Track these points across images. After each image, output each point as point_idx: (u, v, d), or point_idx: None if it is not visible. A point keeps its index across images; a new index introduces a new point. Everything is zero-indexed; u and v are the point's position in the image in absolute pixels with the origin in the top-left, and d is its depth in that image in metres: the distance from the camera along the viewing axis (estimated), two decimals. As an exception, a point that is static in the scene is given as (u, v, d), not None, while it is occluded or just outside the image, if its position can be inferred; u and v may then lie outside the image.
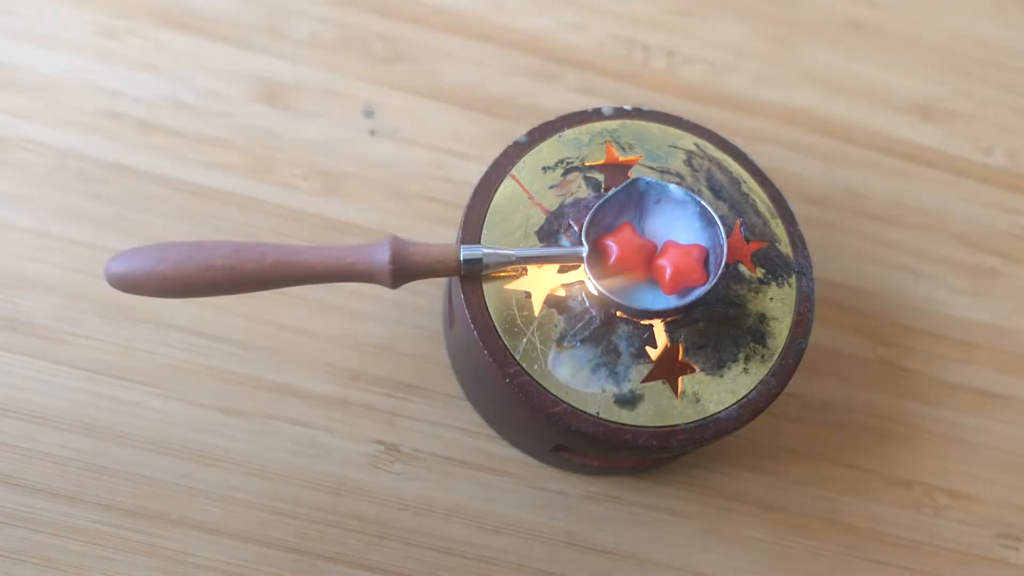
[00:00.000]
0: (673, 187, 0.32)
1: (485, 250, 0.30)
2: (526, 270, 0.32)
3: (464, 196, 0.42)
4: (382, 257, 0.29)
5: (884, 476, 0.40)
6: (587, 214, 0.32)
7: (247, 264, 0.28)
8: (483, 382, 0.35)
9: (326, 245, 0.31)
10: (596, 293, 0.30)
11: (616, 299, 0.30)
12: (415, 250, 0.30)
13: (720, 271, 0.31)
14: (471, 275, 0.31)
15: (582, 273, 0.31)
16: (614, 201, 0.32)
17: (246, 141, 0.43)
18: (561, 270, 0.32)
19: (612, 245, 0.32)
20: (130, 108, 0.42)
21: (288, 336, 0.39)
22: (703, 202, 0.32)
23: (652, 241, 0.33)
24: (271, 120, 0.43)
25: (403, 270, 0.29)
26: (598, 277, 0.31)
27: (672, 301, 0.31)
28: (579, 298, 0.31)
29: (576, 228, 0.32)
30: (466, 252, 0.30)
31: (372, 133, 0.44)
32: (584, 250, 0.31)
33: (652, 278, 0.32)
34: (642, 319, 0.31)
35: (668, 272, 0.31)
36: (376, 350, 0.40)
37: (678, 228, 0.33)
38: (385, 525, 0.37)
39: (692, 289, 0.31)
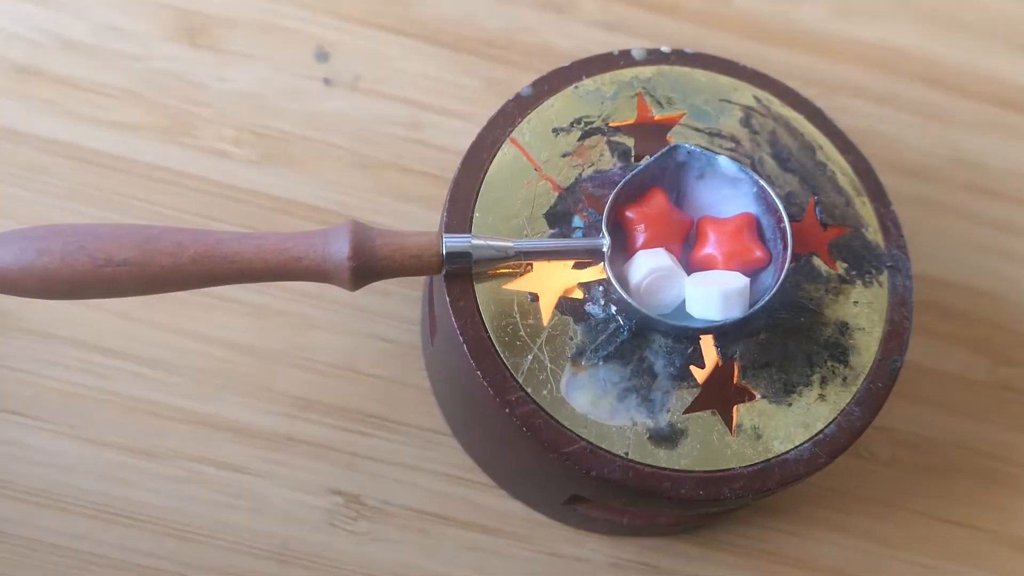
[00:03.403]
0: (723, 159, 0.32)
1: (476, 241, 0.30)
2: (531, 265, 0.32)
3: (449, 167, 0.42)
4: (339, 249, 0.29)
5: (1003, 537, 0.41)
6: (610, 193, 0.32)
7: (159, 257, 0.28)
8: (474, 413, 0.35)
9: (265, 232, 0.31)
10: (625, 302, 0.31)
11: (651, 313, 0.31)
12: (383, 241, 0.30)
13: (785, 270, 0.32)
14: (457, 273, 0.31)
15: (604, 272, 0.32)
16: (644, 176, 0.33)
17: (159, 92, 0.43)
18: (578, 265, 0.32)
19: (638, 221, 0.32)
20: (2, 47, 0.42)
21: (216, 352, 0.40)
22: (761, 181, 0.32)
23: (689, 216, 0.33)
24: (192, 65, 0.43)
25: (367, 267, 0.30)
26: (622, 267, 0.32)
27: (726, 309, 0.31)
28: (602, 301, 0.32)
29: (594, 211, 0.33)
30: (451, 243, 0.30)
31: (326, 82, 0.44)
32: (605, 243, 0.31)
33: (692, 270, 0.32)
34: (688, 334, 0.32)
35: (719, 263, 0.32)
36: (332, 370, 0.40)
37: (726, 212, 0.33)
38: (344, 603, 0.38)
39: (756, 273, 0.32)
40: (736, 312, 0.31)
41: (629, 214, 0.32)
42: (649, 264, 0.31)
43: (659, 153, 0.32)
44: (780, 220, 0.32)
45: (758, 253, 0.32)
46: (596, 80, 0.35)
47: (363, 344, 0.40)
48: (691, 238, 0.33)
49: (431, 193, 0.43)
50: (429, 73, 0.44)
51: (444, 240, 0.30)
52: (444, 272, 0.31)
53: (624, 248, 0.33)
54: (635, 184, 0.32)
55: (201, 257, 0.28)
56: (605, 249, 0.31)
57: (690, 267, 0.33)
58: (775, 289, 0.31)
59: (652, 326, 0.31)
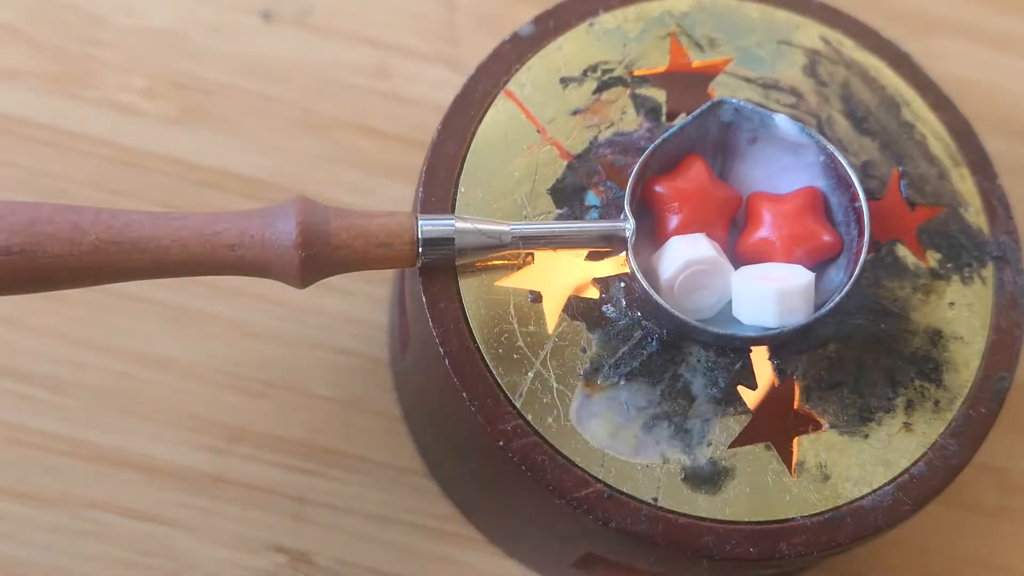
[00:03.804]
0: (781, 118, 0.32)
1: (460, 224, 0.30)
2: (532, 256, 0.32)
3: (425, 127, 0.42)
4: (284, 234, 0.29)
5: None
6: (636, 162, 0.32)
7: (51, 244, 0.28)
8: (458, 446, 0.35)
9: (187, 213, 0.30)
10: (653, 303, 0.31)
11: (687, 318, 0.30)
12: (341, 223, 0.30)
13: (861, 261, 0.31)
14: (437, 266, 0.31)
15: (627, 264, 0.31)
16: (680, 140, 0.32)
17: (47, 29, 0.42)
18: (592, 255, 0.32)
19: (671, 198, 0.32)
20: None
21: (122, 367, 0.39)
22: (831, 147, 0.32)
23: (736, 191, 0.33)
24: (91, -7, 0.43)
25: (320, 258, 0.29)
26: (650, 258, 0.31)
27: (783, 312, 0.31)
28: (624, 302, 0.32)
29: (614, 186, 0.32)
30: (428, 227, 0.30)
31: (266, 17, 0.44)
32: (628, 227, 0.31)
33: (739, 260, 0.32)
34: (736, 345, 0.31)
35: (776, 253, 0.32)
36: (273, 390, 0.40)
37: (784, 187, 0.33)
38: None
39: (823, 266, 0.31)
40: (798, 317, 0.31)
41: (659, 189, 0.32)
42: (685, 255, 0.31)
43: (699, 110, 0.32)
44: (855, 198, 0.32)
45: (827, 238, 0.32)
46: (617, 15, 0.35)
47: (314, 357, 0.40)
48: (739, 220, 0.33)
49: (401, 162, 0.43)
50: (400, 5, 0.44)
51: (420, 223, 0.30)
52: (419, 265, 0.30)
53: (653, 233, 0.32)
54: (668, 151, 0.32)
55: (105, 244, 0.28)
56: (628, 235, 0.31)
57: (738, 258, 0.32)
58: (848, 286, 0.31)
59: (689, 335, 0.31)
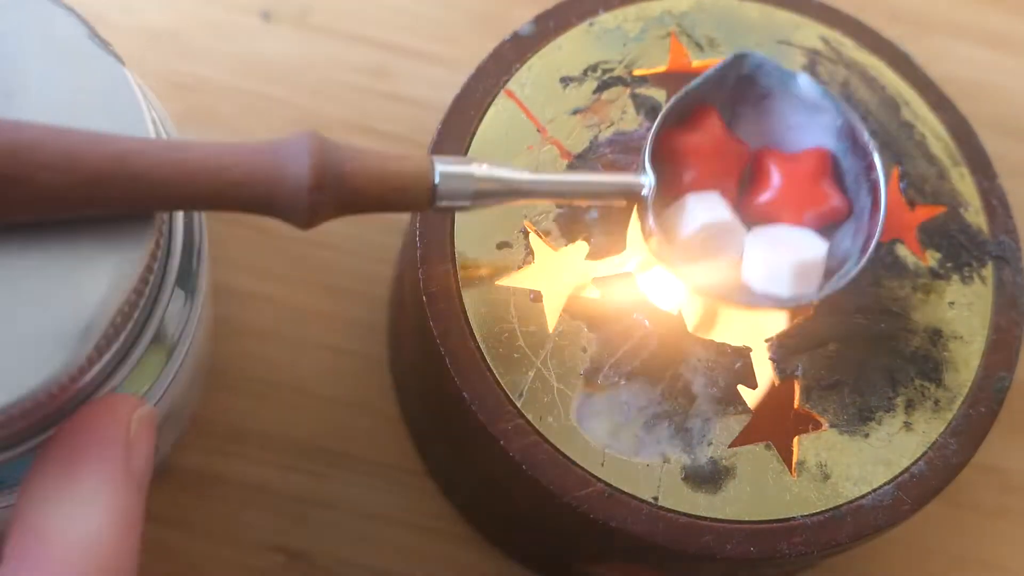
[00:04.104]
0: (804, 77, 0.32)
1: (478, 169, 0.29)
2: (532, 256, 0.32)
3: (423, 127, 0.41)
4: (296, 176, 0.27)
5: None
6: (635, 161, 0.32)
7: (40, 173, 0.25)
8: (457, 446, 0.35)
9: (189, 142, 0.27)
10: (688, 285, 0.31)
11: (723, 294, 0.30)
12: (357, 164, 0.27)
13: (878, 233, 0.31)
14: (450, 209, 0.30)
15: (638, 236, 0.31)
16: (697, 92, 0.32)
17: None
18: (592, 255, 0.32)
19: (686, 152, 0.31)
20: None
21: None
22: (851, 113, 0.32)
23: (747, 145, 0.33)
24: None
25: (332, 202, 0.27)
26: (661, 215, 0.31)
27: (793, 281, 0.31)
28: (623, 299, 0.32)
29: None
30: (446, 169, 0.28)
31: (265, 17, 0.44)
32: (647, 181, 0.30)
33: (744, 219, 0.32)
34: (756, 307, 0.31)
35: (784, 213, 0.31)
36: (274, 390, 0.39)
37: (793, 146, 0.33)
38: None
39: (832, 228, 0.31)
40: (811, 288, 0.31)
41: (674, 142, 0.32)
42: (703, 215, 0.31)
43: (723, 62, 0.32)
44: (871, 168, 0.32)
45: (836, 202, 0.32)
46: (617, 15, 0.35)
47: (313, 357, 0.40)
48: (744, 174, 0.33)
49: (401, 161, 0.43)
50: (400, 5, 0.44)
51: (437, 166, 0.28)
52: (434, 206, 0.29)
53: (661, 186, 0.32)
54: (683, 101, 0.32)
55: (101, 176, 0.26)
56: (647, 190, 0.30)
57: (745, 215, 0.33)
58: (864, 261, 0.31)
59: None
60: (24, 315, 0.24)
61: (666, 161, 0.32)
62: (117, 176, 0.26)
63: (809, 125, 0.33)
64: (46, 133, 0.26)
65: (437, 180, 0.28)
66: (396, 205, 0.29)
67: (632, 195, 0.31)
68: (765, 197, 0.32)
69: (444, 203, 0.29)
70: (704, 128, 0.32)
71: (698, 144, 0.32)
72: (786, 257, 0.31)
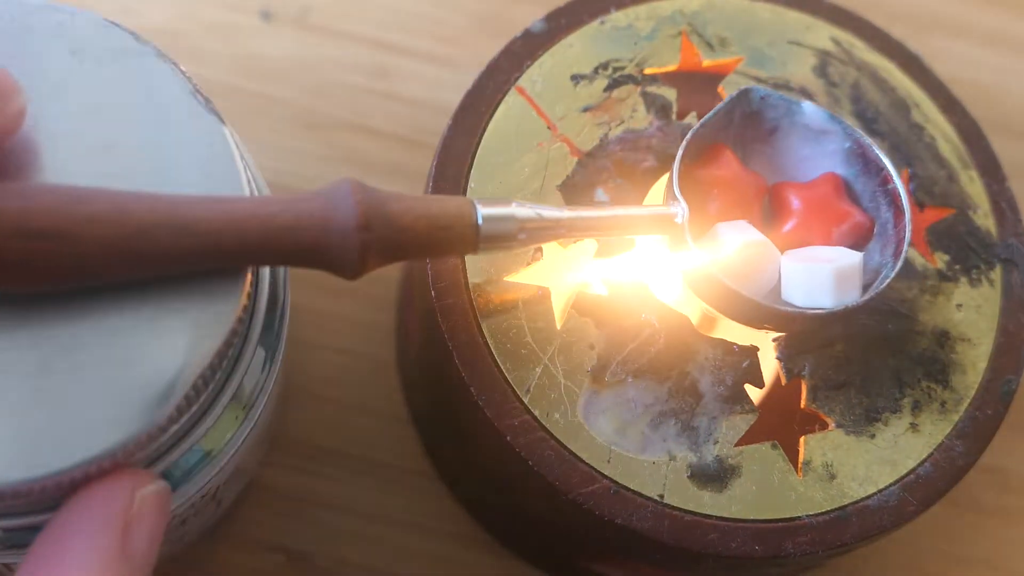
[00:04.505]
0: (808, 105, 0.32)
1: (520, 210, 0.28)
2: (540, 251, 0.32)
3: (424, 127, 0.42)
4: (344, 205, 0.26)
5: None
6: (646, 159, 0.32)
7: (92, 226, 0.24)
8: (463, 442, 0.35)
9: (228, 195, 0.27)
10: (744, 302, 0.30)
11: (773, 304, 0.30)
12: (400, 206, 0.27)
13: (907, 236, 0.31)
14: (495, 249, 0.29)
15: (671, 253, 0.31)
16: (706, 131, 0.32)
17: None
18: (601, 251, 0.32)
19: (709, 184, 0.31)
20: None
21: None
22: (858, 132, 0.32)
23: (763, 178, 0.33)
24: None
25: (383, 241, 0.27)
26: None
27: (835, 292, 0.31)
28: (631, 297, 0.32)
29: (624, 182, 0.33)
30: (488, 212, 0.28)
31: (265, 17, 0.44)
32: (681, 210, 0.30)
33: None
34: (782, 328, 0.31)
35: (813, 237, 0.31)
36: (275, 390, 0.40)
37: (805, 177, 0.33)
38: None
39: (862, 248, 0.31)
40: (853, 295, 0.31)
41: (694, 176, 0.32)
42: (739, 238, 0.31)
43: (727, 99, 0.32)
44: (887, 180, 0.32)
45: (859, 218, 0.32)
46: (628, 13, 0.35)
47: (317, 358, 0.40)
48: (764, 210, 0.33)
49: (400, 161, 0.42)
50: (400, 5, 0.44)
51: (478, 207, 0.28)
52: (479, 249, 0.29)
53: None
54: (693, 143, 0.32)
55: (152, 228, 0.25)
56: (682, 219, 0.30)
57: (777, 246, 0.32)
58: (901, 261, 0.31)
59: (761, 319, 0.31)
60: (108, 375, 0.24)
61: (688, 196, 0.31)
62: (165, 226, 0.25)
63: (817, 155, 0.33)
64: (91, 191, 0.25)
65: (480, 219, 0.28)
66: (442, 244, 0.28)
67: (668, 225, 0.30)
68: (790, 225, 0.32)
69: (490, 241, 0.28)
70: (721, 163, 0.32)
71: (718, 175, 0.32)
72: (825, 266, 0.31)
